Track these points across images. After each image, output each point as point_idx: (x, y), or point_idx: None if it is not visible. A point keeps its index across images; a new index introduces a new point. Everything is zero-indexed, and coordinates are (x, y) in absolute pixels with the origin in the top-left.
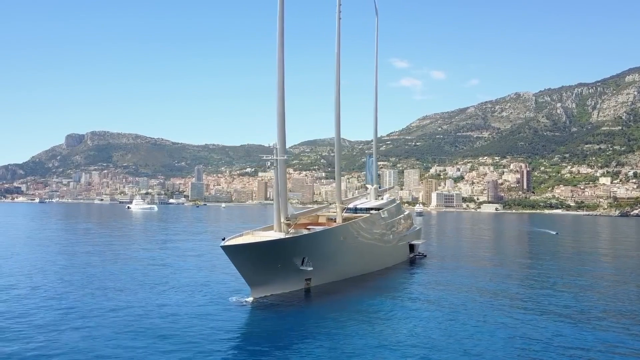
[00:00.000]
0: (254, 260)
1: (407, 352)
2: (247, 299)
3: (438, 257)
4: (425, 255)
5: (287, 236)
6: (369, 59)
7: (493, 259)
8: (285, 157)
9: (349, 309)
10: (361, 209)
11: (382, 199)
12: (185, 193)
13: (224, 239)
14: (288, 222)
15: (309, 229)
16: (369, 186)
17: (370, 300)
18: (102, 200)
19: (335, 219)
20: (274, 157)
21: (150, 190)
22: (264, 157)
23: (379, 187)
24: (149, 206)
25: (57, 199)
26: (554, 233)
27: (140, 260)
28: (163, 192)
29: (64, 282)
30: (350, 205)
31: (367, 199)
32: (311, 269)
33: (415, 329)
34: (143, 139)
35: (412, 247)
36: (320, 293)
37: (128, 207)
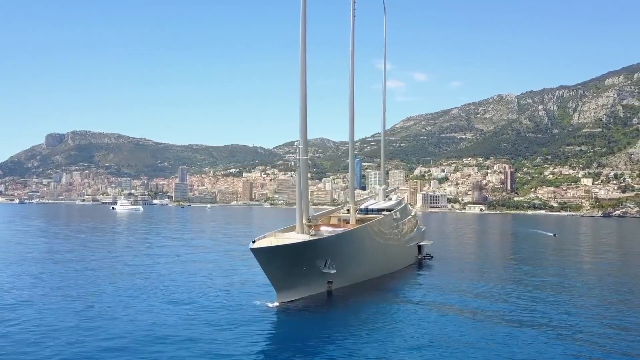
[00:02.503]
0: (283, 262)
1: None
2: (272, 303)
3: (445, 259)
4: (432, 257)
5: (316, 238)
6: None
7: (501, 261)
8: (307, 157)
9: (374, 313)
10: (372, 210)
11: (390, 199)
12: (169, 194)
13: (254, 242)
14: (310, 223)
15: (323, 230)
16: (377, 187)
17: (394, 304)
18: (84, 200)
19: (348, 220)
20: (297, 157)
21: (133, 191)
22: (287, 157)
23: (386, 188)
24: (135, 207)
25: (37, 199)
26: (552, 235)
27: (149, 263)
28: (147, 193)
29: (83, 286)
30: (362, 206)
31: (375, 199)
32: (334, 271)
33: (436, 330)
34: (125, 138)
35: (419, 248)
36: (342, 296)
37: (113, 208)
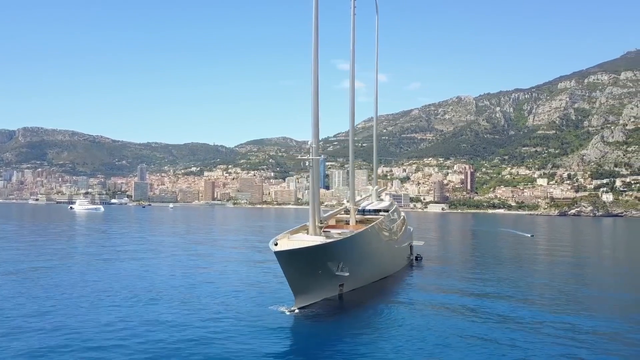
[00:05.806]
0: (305, 265)
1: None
2: (291, 309)
3: (434, 259)
4: (422, 257)
5: (336, 239)
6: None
7: (492, 262)
8: (320, 157)
9: (391, 317)
10: (369, 211)
11: (381, 199)
12: (128, 193)
13: (276, 244)
14: (321, 224)
15: (325, 231)
16: (369, 187)
17: (412, 308)
18: (37, 200)
19: (347, 221)
20: (310, 157)
21: (90, 190)
22: (299, 157)
23: (378, 189)
24: (95, 206)
25: None
26: (529, 235)
27: (143, 266)
28: (104, 192)
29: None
30: (359, 207)
31: (368, 200)
32: (347, 274)
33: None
34: (80, 136)
35: (410, 249)
36: (354, 299)
37: (71, 208)
